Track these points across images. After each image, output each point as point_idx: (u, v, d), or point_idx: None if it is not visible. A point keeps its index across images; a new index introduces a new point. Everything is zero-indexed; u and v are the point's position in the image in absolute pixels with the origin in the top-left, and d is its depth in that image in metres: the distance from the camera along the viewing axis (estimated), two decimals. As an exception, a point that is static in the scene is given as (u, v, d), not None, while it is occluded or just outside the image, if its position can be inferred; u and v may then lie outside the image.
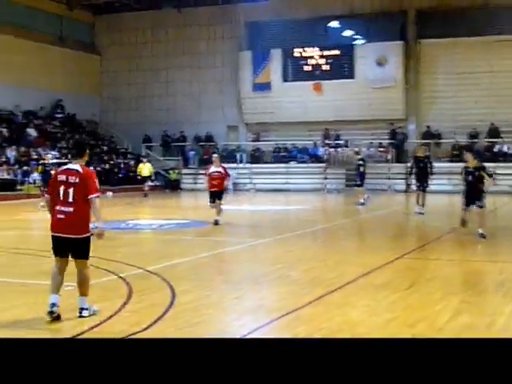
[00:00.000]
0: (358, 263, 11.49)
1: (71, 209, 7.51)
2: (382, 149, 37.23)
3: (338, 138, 38.70)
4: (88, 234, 7.66)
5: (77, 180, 7.50)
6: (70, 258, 7.79)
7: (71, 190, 7.50)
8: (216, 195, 18.13)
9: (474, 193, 14.35)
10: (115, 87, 43.54)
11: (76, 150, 7.99)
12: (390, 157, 36.55)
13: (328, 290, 8.97)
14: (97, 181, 7.71)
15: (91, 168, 15.54)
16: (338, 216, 23.44)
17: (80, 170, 7.59)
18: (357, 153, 28.06)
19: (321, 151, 38.38)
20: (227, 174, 18.64)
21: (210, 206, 18.25)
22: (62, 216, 7.56)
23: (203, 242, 15.28)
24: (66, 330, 7.00)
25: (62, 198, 7.56)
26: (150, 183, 33.79)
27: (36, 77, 38.18)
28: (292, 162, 38.52)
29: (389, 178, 35.53)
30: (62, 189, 7.55)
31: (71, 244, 7.60)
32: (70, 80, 40.67)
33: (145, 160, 34.97)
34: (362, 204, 24.88)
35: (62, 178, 7.60)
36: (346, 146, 38.12)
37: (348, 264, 11.49)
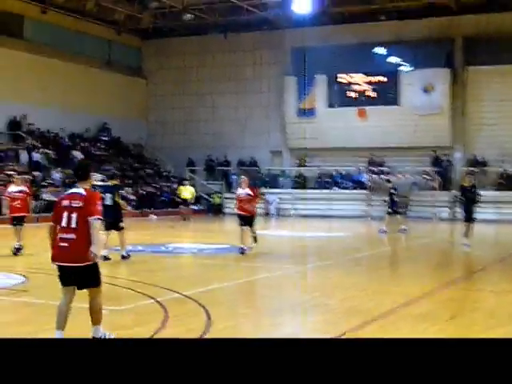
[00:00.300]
0: (397, 292, 11.26)
1: (74, 235, 7.10)
2: (427, 176, 36.80)
3: (382, 164, 38.41)
4: (95, 261, 7.26)
5: (80, 204, 7.13)
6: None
7: (74, 216, 7.11)
8: (246, 221, 17.11)
9: None
10: (162, 111, 43.97)
11: (80, 172, 7.53)
12: (435, 184, 36.09)
13: (365, 320, 8.77)
14: (100, 203, 7.40)
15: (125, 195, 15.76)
16: (380, 244, 23.12)
17: (84, 193, 7.22)
18: (388, 181, 27.74)
19: (364, 178, 38.09)
20: (256, 196, 17.58)
21: (241, 230, 17.20)
22: (65, 244, 7.14)
23: (243, 267, 15.18)
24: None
25: (65, 225, 7.16)
26: (192, 207, 33.75)
27: (83, 100, 38.77)
28: (335, 188, 38.31)
29: (434, 206, 35.05)
30: (65, 215, 7.16)
31: (77, 273, 7.18)
32: (116, 103, 41.23)
33: (186, 182, 34.78)
34: (404, 230, 24.54)
35: (66, 203, 7.24)
36: (390, 173, 37.81)
37: (387, 293, 11.26)
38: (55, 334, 7.20)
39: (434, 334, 8.09)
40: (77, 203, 7.14)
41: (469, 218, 19.56)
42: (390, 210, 25.27)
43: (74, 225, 7.11)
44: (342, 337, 7.82)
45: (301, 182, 39.95)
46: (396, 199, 25.25)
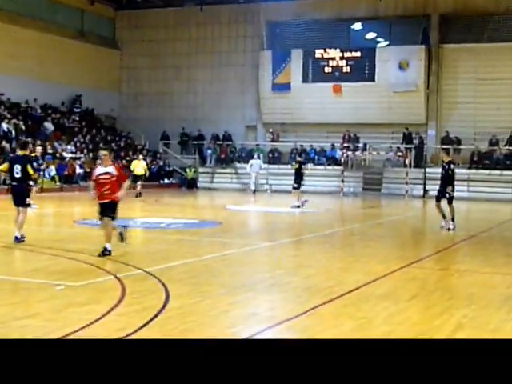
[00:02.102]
0: (362, 271, 11.19)
1: None
2: (400, 153, 36.81)
3: (356, 140, 38.32)
4: None
5: None
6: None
7: None
8: (106, 208, 12.14)
9: None
10: (135, 83, 43.51)
11: None
12: (407, 162, 36.09)
13: (326, 298, 8.68)
14: None
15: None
16: (351, 220, 23.11)
17: None
18: (299, 154, 29.53)
19: (339, 154, 38.01)
20: (123, 177, 12.54)
21: (100, 227, 12.46)
22: None
23: (209, 243, 15.04)
24: (47, 332, 6.75)
25: None
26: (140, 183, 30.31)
27: (55, 71, 38.25)
28: (309, 164, 38.16)
29: (406, 183, 35.08)
30: None
31: None
32: (89, 75, 40.69)
33: (140, 157, 32.33)
34: (298, 207, 24.49)
35: None
36: (365, 150, 37.77)
37: (352, 272, 11.19)
38: None
39: (394, 315, 8.03)
40: None
41: (440, 197, 18.39)
42: (295, 184, 25.49)
43: None
44: (304, 315, 7.73)
45: (275, 157, 39.79)
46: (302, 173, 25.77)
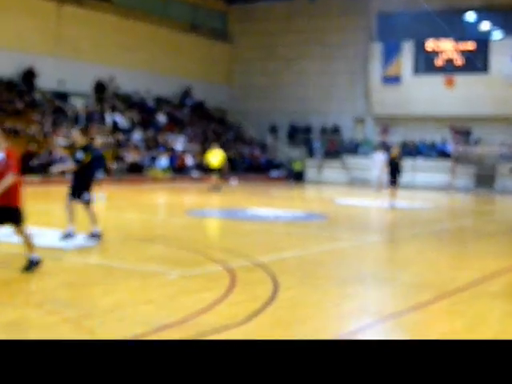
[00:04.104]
0: (474, 268, 10.90)
1: None
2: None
3: (469, 134, 37.36)
4: None
5: None
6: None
7: None
8: (5, 216, 8.63)
9: None
10: (245, 76, 43.93)
11: None
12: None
13: (437, 295, 8.53)
14: None
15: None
16: (462, 216, 22.55)
17: None
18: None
19: (450, 148, 37.15)
20: (9, 166, 8.44)
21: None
22: None
23: (317, 236, 15.02)
24: (160, 319, 6.92)
25: None
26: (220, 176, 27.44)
27: (168, 63, 39.16)
28: (419, 158, 37.54)
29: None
30: None
31: None
32: (200, 67, 41.45)
33: (215, 145, 28.61)
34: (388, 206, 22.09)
35: None
36: (478, 144, 36.78)
37: (463, 268, 10.93)
38: None
39: (508, 314, 7.81)
40: None
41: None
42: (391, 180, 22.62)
43: None
44: (413, 312, 7.64)
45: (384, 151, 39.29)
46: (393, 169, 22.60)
